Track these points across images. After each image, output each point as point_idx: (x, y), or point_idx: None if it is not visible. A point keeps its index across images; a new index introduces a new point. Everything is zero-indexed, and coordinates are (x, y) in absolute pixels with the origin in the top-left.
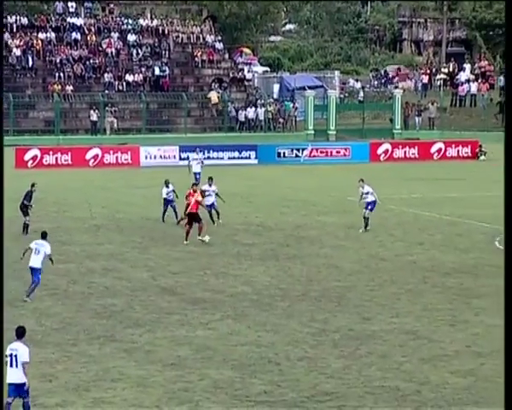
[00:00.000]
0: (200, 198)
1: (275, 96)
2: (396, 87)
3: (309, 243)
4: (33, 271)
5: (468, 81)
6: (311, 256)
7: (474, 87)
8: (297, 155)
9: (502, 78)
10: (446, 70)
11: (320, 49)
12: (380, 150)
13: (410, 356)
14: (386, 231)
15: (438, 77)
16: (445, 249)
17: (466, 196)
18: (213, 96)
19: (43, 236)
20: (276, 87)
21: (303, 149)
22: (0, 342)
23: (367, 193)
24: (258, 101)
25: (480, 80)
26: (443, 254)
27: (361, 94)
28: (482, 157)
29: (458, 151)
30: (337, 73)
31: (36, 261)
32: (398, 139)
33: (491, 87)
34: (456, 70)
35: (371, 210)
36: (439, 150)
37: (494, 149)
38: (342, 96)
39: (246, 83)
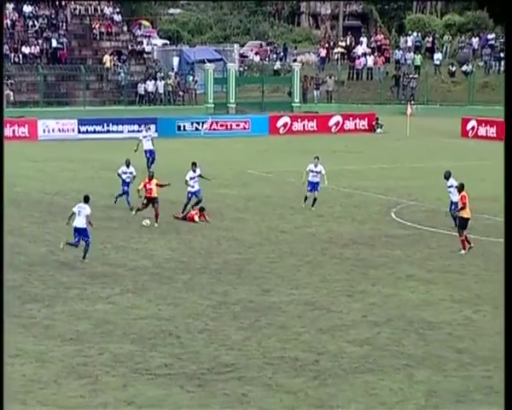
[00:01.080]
0: (154, 188)
1: (174, 69)
2: (294, 60)
3: (211, 216)
4: (78, 231)
5: (364, 55)
6: (212, 229)
7: (370, 61)
8: (197, 129)
9: (397, 51)
10: (343, 44)
11: (219, 22)
12: (279, 123)
13: (308, 327)
14: (286, 203)
15: (335, 50)
16: (343, 221)
17: (363, 169)
18: (106, 59)
19: (86, 200)
20: (176, 60)
21: (203, 123)
22: (0, 342)
23: (318, 172)
24: (158, 74)
25: (376, 54)
26: (341, 225)
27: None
28: (379, 130)
29: (356, 124)
30: (236, 46)
31: (79, 222)
32: (297, 112)
33: (386, 61)
34: (353, 44)
35: (311, 191)
36: (337, 123)
37: (390, 122)
38: (242, 69)
39: (145, 56)
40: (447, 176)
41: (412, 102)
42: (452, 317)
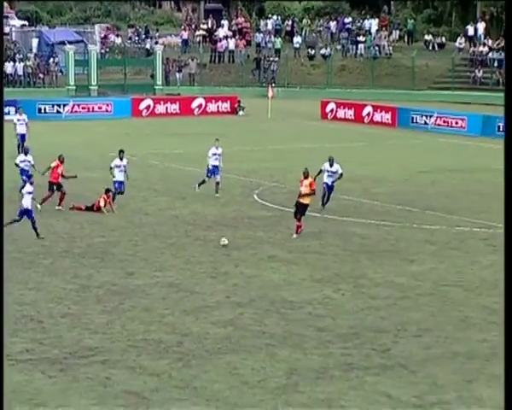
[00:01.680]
0: (60, 170)
1: (34, 50)
2: (156, 43)
3: (71, 199)
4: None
5: (226, 38)
6: (74, 213)
7: (231, 44)
8: (58, 111)
9: (258, 34)
10: (205, 26)
11: (79, 4)
12: (142, 106)
13: (172, 309)
14: (150, 186)
15: (197, 33)
16: (207, 203)
17: (225, 151)
18: None
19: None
20: (35, 41)
21: (64, 105)
22: (0, 342)
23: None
24: (17, 55)
25: (237, 37)
26: (204, 207)
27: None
28: (241, 112)
29: (218, 106)
30: (97, 27)
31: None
32: (159, 95)
33: (247, 44)
34: (215, 27)
35: (210, 176)
36: (199, 106)
37: (252, 104)
38: (103, 51)
39: (3, 37)
40: (331, 161)
41: (273, 85)
42: (312, 296)
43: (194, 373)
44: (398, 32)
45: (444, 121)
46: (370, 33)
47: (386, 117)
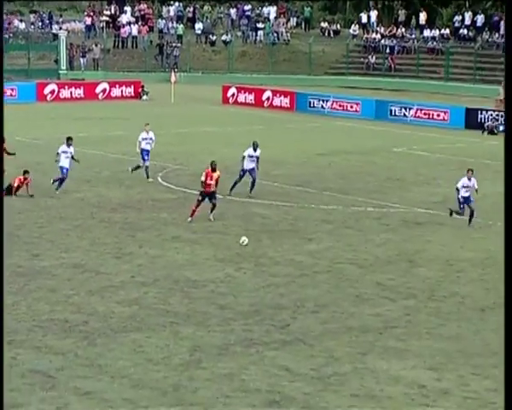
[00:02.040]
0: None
1: None
2: (60, 28)
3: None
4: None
5: (129, 23)
6: None
7: (134, 29)
8: None
9: (160, 20)
10: (108, 12)
11: None
12: (46, 91)
13: (78, 289)
14: (55, 169)
15: (101, 19)
16: (112, 186)
17: (130, 135)
18: None
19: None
20: None
21: None
22: (0, 342)
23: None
24: None
25: (140, 23)
26: (109, 190)
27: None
28: (145, 97)
29: (122, 91)
30: None
31: (66, 162)
32: (64, 80)
33: (150, 30)
34: (118, 13)
35: (144, 159)
36: (103, 90)
37: (155, 89)
38: (7, 36)
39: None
40: (255, 146)
41: (176, 70)
42: (215, 275)
43: (100, 351)
44: (295, 19)
45: (339, 105)
46: (269, 20)
47: (285, 101)
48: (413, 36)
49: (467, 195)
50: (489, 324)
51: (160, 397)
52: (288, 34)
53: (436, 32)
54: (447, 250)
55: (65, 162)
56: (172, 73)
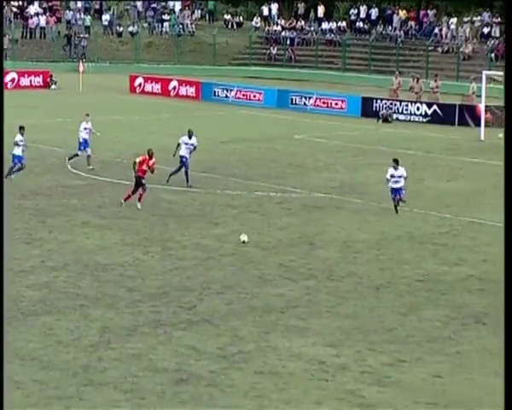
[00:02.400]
0: None
1: None
2: None
3: None
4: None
5: (37, 14)
6: None
7: (42, 20)
8: None
9: (68, 12)
10: (16, 3)
11: None
12: None
13: None
14: None
15: (6, 8)
16: (22, 173)
17: (39, 123)
18: None
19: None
20: None
21: None
22: (0, 342)
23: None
24: None
25: (48, 14)
26: (20, 178)
27: None
28: (53, 86)
29: (31, 81)
30: None
31: (19, 151)
32: None
33: (58, 20)
34: (26, 3)
35: (83, 150)
36: (12, 80)
37: (64, 79)
38: None
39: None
40: (190, 134)
41: (84, 60)
42: (124, 259)
43: (10, 335)
44: (200, 11)
45: (243, 95)
46: (174, 12)
47: (191, 91)
48: (312, 28)
49: (396, 186)
50: (383, 301)
51: (70, 378)
52: (193, 26)
53: (333, 25)
54: (345, 233)
55: (18, 151)
56: (80, 63)
